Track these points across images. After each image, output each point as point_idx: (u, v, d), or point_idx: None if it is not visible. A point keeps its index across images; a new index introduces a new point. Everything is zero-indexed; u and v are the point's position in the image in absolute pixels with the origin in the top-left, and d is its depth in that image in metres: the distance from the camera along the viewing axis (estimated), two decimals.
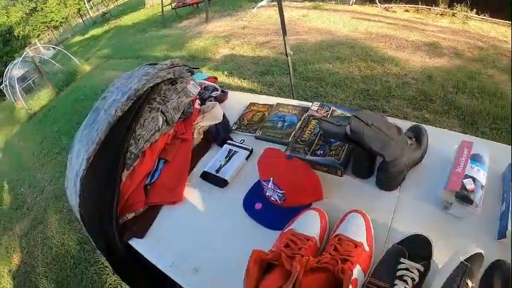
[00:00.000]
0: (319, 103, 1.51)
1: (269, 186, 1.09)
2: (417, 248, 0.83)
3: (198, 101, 1.57)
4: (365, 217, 0.95)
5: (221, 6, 10.83)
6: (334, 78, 4.49)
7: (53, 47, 14.95)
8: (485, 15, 6.51)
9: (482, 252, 0.77)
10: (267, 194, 1.13)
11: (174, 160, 1.36)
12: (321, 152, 1.24)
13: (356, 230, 0.91)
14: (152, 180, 1.29)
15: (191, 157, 1.40)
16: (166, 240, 1.15)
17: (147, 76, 1.38)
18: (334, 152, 1.22)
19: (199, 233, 1.14)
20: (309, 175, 1.10)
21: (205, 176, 1.32)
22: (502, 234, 0.85)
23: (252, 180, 1.24)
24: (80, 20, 29.52)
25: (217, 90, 1.73)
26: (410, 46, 5.41)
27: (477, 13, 6.60)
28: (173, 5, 11.67)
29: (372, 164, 1.13)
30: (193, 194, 1.28)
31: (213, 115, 1.56)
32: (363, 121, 0.99)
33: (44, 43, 24.10)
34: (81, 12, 32.28)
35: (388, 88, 4.11)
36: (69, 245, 3.25)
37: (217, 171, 1.31)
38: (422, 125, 1.19)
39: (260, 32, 7.32)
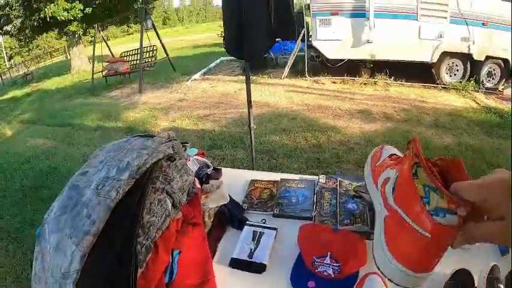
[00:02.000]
0: (325, 176, 1.55)
1: (325, 261, 1.08)
2: (462, 280, 0.97)
3: (197, 180, 1.41)
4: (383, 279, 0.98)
5: (152, 77, 10.84)
6: (284, 150, 4.60)
7: None
8: (402, 81, 7.27)
9: (497, 264, 0.97)
10: (319, 270, 1.08)
11: (189, 250, 1.17)
12: (348, 221, 1.26)
13: None
14: (173, 277, 1.08)
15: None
16: None
17: (146, 150, 1.20)
18: (359, 219, 1.26)
19: None
20: (359, 242, 1.14)
21: (236, 264, 1.18)
22: (504, 251, 1.09)
23: (286, 259, 1.17)
24: None
25: (210, 167, 1.58)
26: (345, 114, 5.79)
27: (395, 80, 7.33)
28: (104, 72, 11.33)
29: None
30: (225, 285, 1.13)
31: (219, 195, 1.41)
32: None
33: None
34: (0, 70, 30.64)
35: (336, 155, 4.34)
36: None
37: (250, 256, 1.19)
38: None
39: (198, 105, 7.39)
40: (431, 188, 0.53)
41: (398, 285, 0.58)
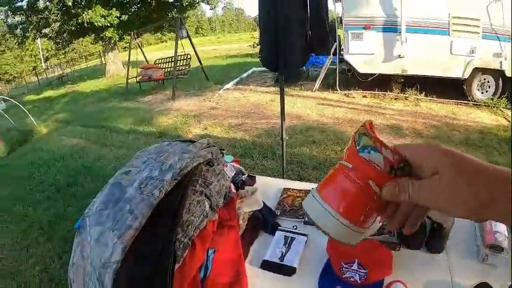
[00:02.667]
0: None
1: (352, 267, 1.13)
2: None
3: (233, 185, 1.47)
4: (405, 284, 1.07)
5: (186, 85, 11.01)
6: (314, 162, 4.59)
7: (4, 99, 14.12)
8: (433, 97, 7.13)
9: None
10: (346, 275, 1.13)
11: (224, 250, 1.22)
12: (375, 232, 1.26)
13: None
14: (207, 274, 1.14)
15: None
16: None
17: (188, 154, 1.27)
18: (386, 229, 1.27)
19: None
20: (385, 251, 1.19)
21: (267, 266, 1.24)
22: None
23: (315, 264, 1.22)
24: (35, 79, 28.79)
25: (244, 174, 1.64)
26: (376, 129, 5.67)
27: (426, 95, 7.21)
28: (138, 78, 11.59)
29: (423, 236, 1.23)
30: (256, 286, 1.18)
31: (253, 201, 1.47)
32: None
33: None
34: (36, 70, 31.65)
35: None
36: None
37: (281, 259, 1.24)
38: None
39: (230, 114, 7.45)
40: (364, 134, 0.54)
41: (333, 238, 0.55)
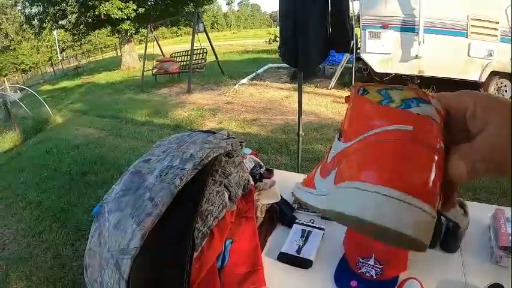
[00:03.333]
0: None
1: (369, 262, 1.12)
2: None
3: (251, 177, 1.47)
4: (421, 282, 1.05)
5: (201, 79, 11.08)
6: None
7: (20, 88, 14.30)
8: None
9: None
10: (362, 270, 1.13)
11: (241, 240, 1.22)
12: None
13: None
14: (225, 264, 1.14)
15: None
16: None
17: (208, 144, 1.27)
18: None
19: None
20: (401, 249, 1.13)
21: (284, 258, 1.24)
22: None
23: (331, 258, 1.23)
24: (50, 69, 29.12)
25: (263, 167, 1.64)
26: None
27: None
28: (154, 71, 11.68)
29: (439, 234, 1.24)
30: (272, 277, 1.18)
31: (271, 193, 1.47)
32: None
33: (12, 83, 23.34)
34: (52, 61, 32.03)
35: None
36: None
37: (298, 251, 1.25)
38: None
39: (245, 109, 7.47)
40: (388, 89, 0.42)
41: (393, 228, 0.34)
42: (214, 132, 1.40)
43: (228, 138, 1.38)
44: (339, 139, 0.45)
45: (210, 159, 1.23)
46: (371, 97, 0.42)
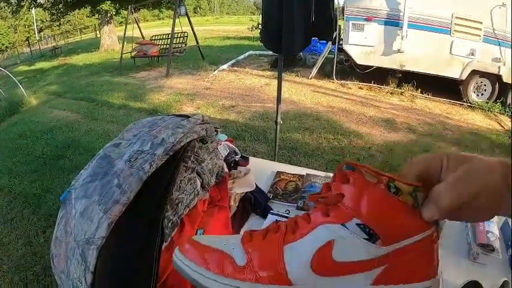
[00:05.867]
0: None
1: None
2: None
3: (225, 165, 1.42)
4: None
5: (181, 63, 10.91)
6: (306, 148, 4.58)
7: None
8: (428, 95, 7.16)
9: (507, 279, 1.04)
10: None
11: (213, 230, 1.17)
12: None
13: None
14: None
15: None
16: None
17: (181, 129, 1.21)
18: None
19: None
20: None
21: None
22: None
23: None
24: (27, 50, 28.21)
25: (238, 155, 1.59)
26: (369, 121, 5.75)
27: (422, 92, 7.23)
28: (133, 53, 11.42)
29: None
30: None
31: (246, 182, 1.43)
32: None
33: None
34: (29, 41, 31.04)
35: (357, 159, 4.30)
36: None
37: None
38: None
39: (224, 95, 7.40)
40: (416, 190, 0.44)
41: None
42: (188, 117, 1.33)
43: (203, 123, 1.33)
44: (369, 240, 0.45)
45: (182, 144, 1.17)
46: (405, 199, 0.44)
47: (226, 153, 1.42)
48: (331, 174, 1.60)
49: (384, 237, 0.44)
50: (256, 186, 1.47)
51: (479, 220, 0.44)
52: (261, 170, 1.62)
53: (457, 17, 6.57)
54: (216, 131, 1.52)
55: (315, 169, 3.90)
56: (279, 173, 1.64)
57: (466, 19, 6.55)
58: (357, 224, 0.44)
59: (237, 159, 1.56)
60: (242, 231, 1.25)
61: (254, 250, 0.49)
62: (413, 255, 0.45)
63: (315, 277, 0.45)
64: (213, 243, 0.51)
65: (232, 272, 0.47)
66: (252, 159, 1.69)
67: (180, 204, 1.10)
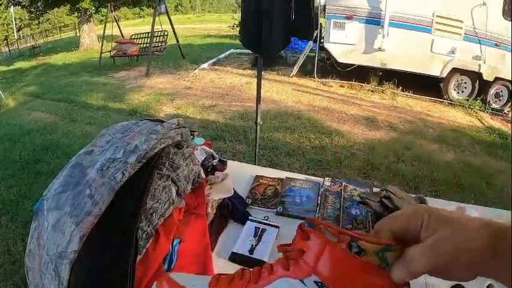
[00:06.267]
0: (330, 178, 1.57)
1: None
2: None
3: (202, 170, 1.39)
4: None
5: (161, 62, 10.77)
6: (287, 148, 4.59)
7: None
8: (409, 92, 7.26)
9: (492, 283, 1.01)
10: None
11: (190, 240, 1.14)
12: (350, 226, 1.30)
13: None
14: (172, 267, 1.06)
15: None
16: None
17: (155, 135, 1.17)
18: (361, 225, 1.31)
19: None
20: None
21: (236, 258, 1.17)
22: None
23: None
24: (6, 49, 27.57)
25: (216, 159, 1.56)
26: (350, 119, 5.79)
27: (403, 90, 7.32)
28: (112, 52, 11.22)
29: None
30: None
31: (224, 187, 1.40)
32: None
33: None
34: (8, 40, 30.33)
35: (338, 158, 4.34)
36: None
37: (251, 252, 1.18)
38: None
39: (205, 94, 7.36)
40: (385, 249, 0.43)
41: None
42: (163, 121, 1.30)
43: (178, 128, 1.29)
44: None
45: (156, 150, 1.14)
46: (370, 259, 0.43)
47: (203, 158, 1.40)
48: (312, 178, 1.60)
49: None
50: (235, 191, 1.44)
51: (460, 280, 0.45)
52: (240, 174, 1.60)
53: (438, 16, 6.67)
54: (193, 135, 1.49)
55: (296, 169, 3.94)
56: (257, 177, 1.61)
57: (447, 18, 6.66)
58: (315, 282, 0.44)
59: (214, 164, 1.53)
60: (220, 239, 1.24)
61: None
62: None
63: None
64: (188, 284, 0.55)
65: None
66: (230, 162, 1.67)
67: (154, 213, 1.07)
